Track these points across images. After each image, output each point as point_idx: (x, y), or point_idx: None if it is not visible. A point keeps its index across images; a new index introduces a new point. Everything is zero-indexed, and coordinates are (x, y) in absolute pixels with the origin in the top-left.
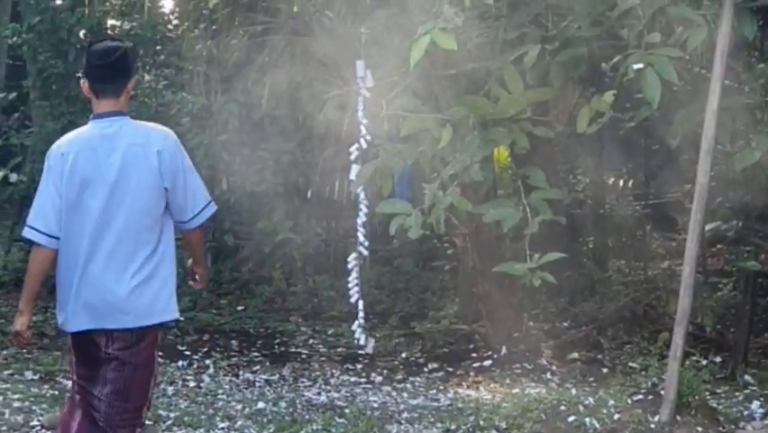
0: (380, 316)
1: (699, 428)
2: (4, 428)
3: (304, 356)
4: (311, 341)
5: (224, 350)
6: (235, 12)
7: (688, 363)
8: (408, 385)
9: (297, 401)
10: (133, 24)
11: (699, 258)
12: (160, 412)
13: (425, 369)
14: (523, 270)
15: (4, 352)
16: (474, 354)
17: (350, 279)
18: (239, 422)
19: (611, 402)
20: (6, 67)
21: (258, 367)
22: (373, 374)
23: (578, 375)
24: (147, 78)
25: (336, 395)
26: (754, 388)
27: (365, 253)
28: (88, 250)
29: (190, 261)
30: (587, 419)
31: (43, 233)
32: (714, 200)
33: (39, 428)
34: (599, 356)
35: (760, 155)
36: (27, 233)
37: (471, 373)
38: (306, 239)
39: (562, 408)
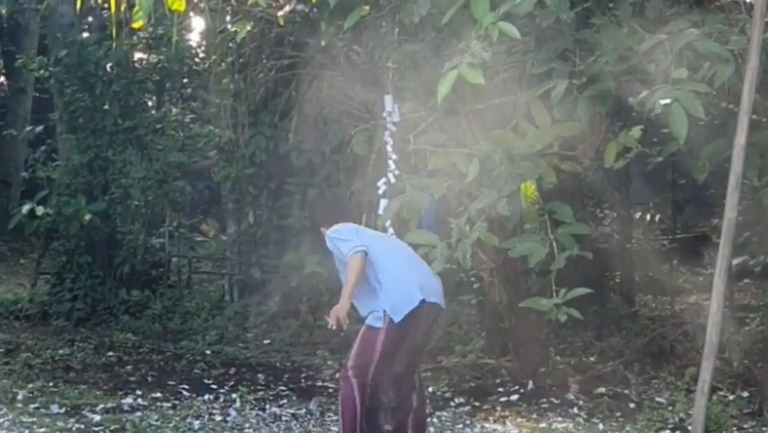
0: None
1: None
2: None
3: (330, 390)
4: (338, 375)
5: (250, 384)
6: (263, 46)
7: (715, 398)
8: (435, 420)
9: None
10: (161, 58)
11: (726, 293)
12: None
13: (452, 403)
14: (549, 305)
15: (30, 385)
16: (501, 389)
17: None
18: None
19: None
20: (33, 100)
21: (284, 401)
22: None
23: (605, 410)
24: (174, 111)
25: None
26: None
27: None
28: None
29: None
30: None
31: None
32: (741, 235)
33: None
34: (626, 391)
35: None
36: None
37: (498, 408)
38: (332, 273)
39: None
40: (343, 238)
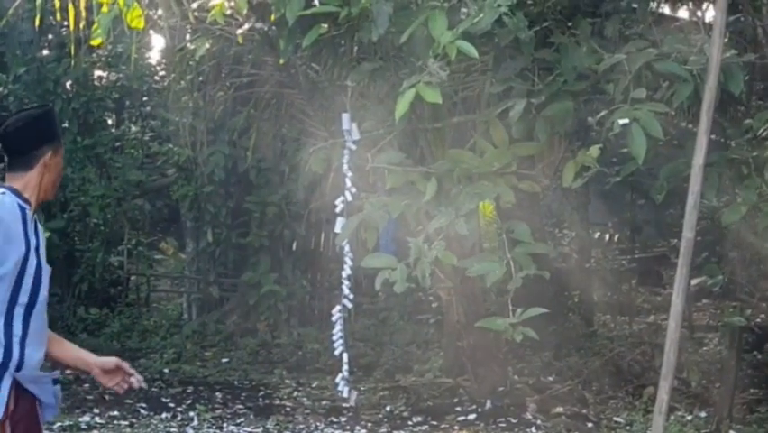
0: (365, 368)
1: None
2: None
3: (288, 409)
4: (295, 394)
5: (208, 402)
6: (221, 64)
7: (673, 418)
8: None
9: None
10: (120, 75)
11: (684, 313)
12: None
13: (410, 422)
14: (504, 325)
15: None
16: (459, 408)
17: (334, 331)
18: None
19: None
20: None
21: (242, 420)
22: (357, 427)
23: (563, 430)
24: (133, 129)
25: None
26: None
27: (350, 305)
28: None
29: None
30: None
31: None
32: (700, 255)
33: None
34: (584, 411)
35: (746, 210)
36: None
37: (456, 427)
38: (290, 291)
39: None
40: None
